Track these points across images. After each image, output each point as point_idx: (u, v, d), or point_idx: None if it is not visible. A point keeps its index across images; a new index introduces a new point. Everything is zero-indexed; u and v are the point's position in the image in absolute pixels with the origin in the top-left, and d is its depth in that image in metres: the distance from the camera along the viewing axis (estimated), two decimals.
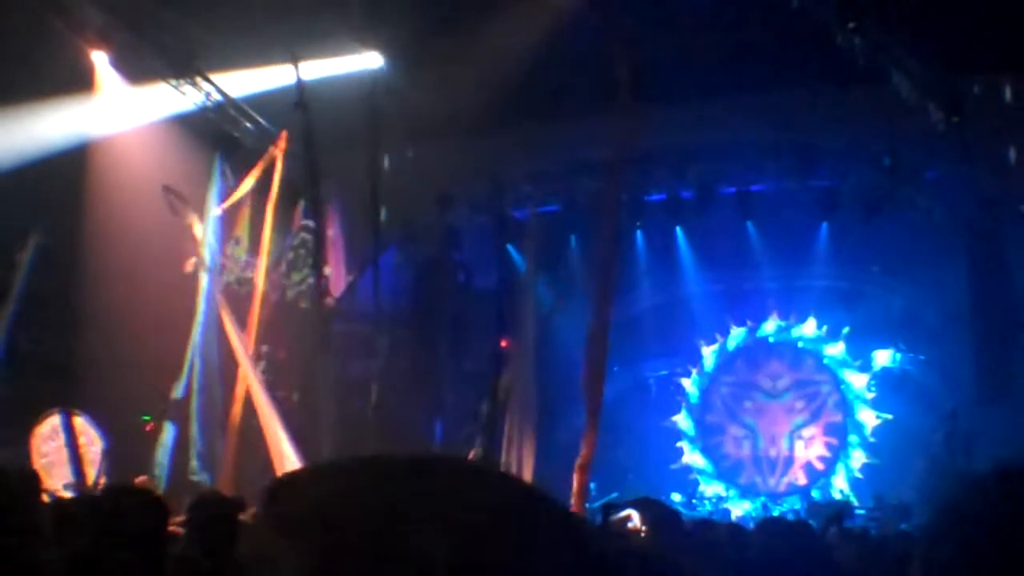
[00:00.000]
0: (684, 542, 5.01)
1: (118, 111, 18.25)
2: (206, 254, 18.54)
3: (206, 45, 18.55)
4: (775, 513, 22.35)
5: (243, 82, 19.60)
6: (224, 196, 19.78)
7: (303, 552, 1.18)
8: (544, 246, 21.49)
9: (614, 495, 23.15)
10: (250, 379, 17.73)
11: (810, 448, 25.45)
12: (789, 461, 25.54)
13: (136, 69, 18.29)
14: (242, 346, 17.73)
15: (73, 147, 17.53)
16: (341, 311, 22.17)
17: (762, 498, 24.67)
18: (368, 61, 19.58)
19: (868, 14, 16.79)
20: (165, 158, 18.80)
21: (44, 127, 16.90)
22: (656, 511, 5.53)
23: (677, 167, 22.81)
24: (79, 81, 17.60)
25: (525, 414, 18.29)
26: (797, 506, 23.37)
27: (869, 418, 24.76)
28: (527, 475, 17.57)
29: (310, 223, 21.04)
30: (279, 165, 18.74)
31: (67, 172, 17.54)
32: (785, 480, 25.38)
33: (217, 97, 19.37)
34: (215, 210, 19.48)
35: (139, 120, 18.67)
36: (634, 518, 13.58)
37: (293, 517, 1.22)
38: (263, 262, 19.05)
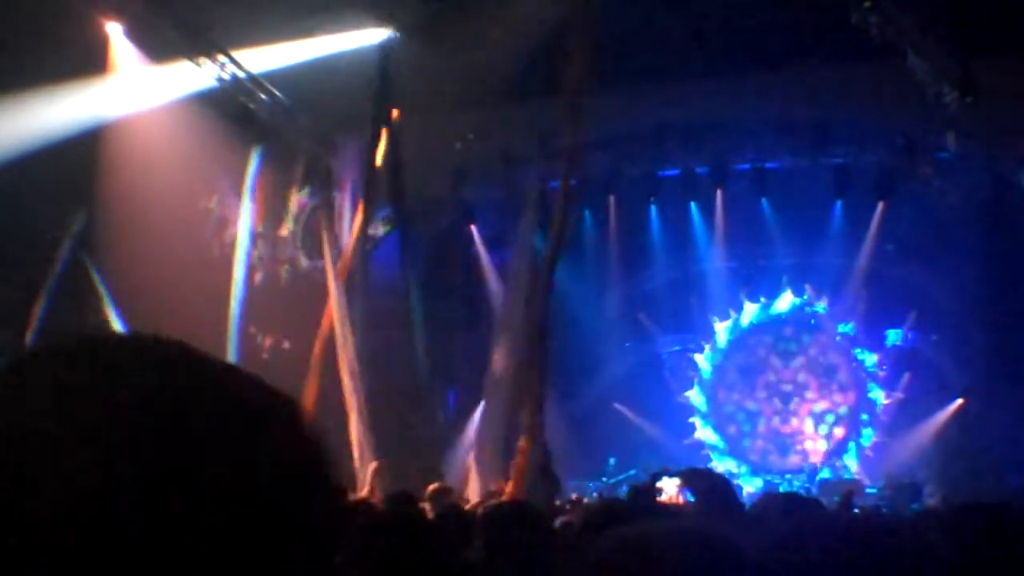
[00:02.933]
0: (739, 516, 4.65)
1: (134, 87, 18.00)
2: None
3: (221, 18, 18.28)
4: (783, 490, 22.37)
5: (258, 57, 19.43)
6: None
7: None
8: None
9: (632, 471, 23.27)
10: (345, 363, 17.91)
11: (821, 426, 25.47)
12: (800, 438, 25.57)
13: (151, 42, 18.07)
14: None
15: (91, 127, 17.21)
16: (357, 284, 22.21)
17: (770, 476, 24.72)
18: (380, 35, 19.47)
19: None
20: (184, 135, 18.66)
21: (62, 108, 16.62)
22: (706, 481, 5.10)
23: (692, 143, 22.69)
24: (95, 59, 17.39)
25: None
26: (808, 484, 23.40)
27: (880, 397, 24.76)
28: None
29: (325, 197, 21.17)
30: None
31: (88, 152, 17.52)
32: (796, 458, 25.41)
33: (234, 70, 19.23)
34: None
35: (155, 97, 18.44)
36: (668, 490, 13.46)
37: None
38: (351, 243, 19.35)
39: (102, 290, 17.68)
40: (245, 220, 20.11)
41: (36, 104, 16.05)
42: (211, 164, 19.73)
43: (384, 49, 19.15)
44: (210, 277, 19.46)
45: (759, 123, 21.58)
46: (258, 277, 20.89)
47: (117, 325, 17.44)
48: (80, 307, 17.62)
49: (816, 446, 25.37)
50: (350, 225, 21.61)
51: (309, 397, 17.85)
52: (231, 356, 19.22)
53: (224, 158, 19.97)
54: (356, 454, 17.14)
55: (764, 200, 23.95)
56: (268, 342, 20.82)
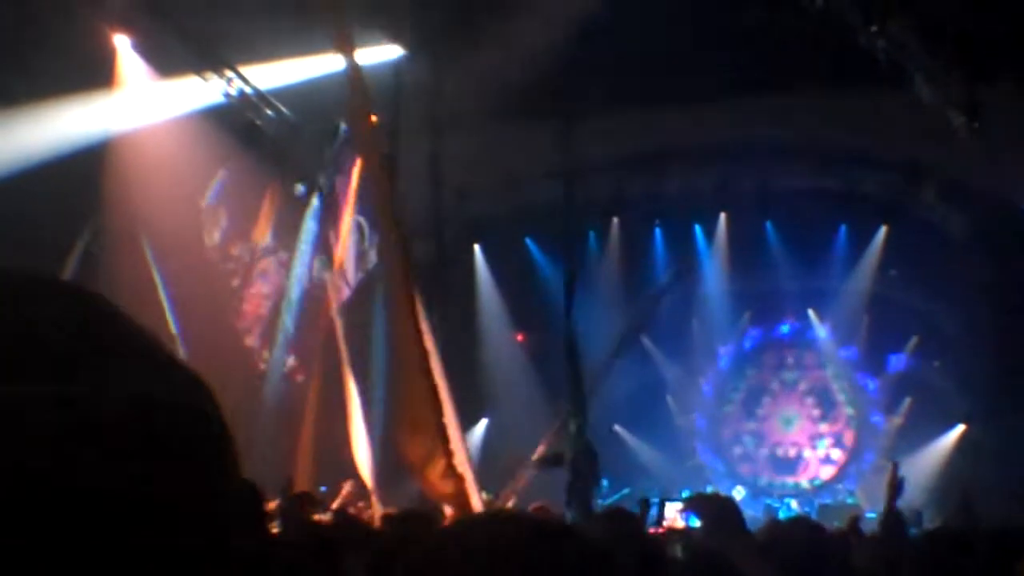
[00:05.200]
0: (748, 541, 4.69)
1: (141, 100, 18.17)
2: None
3: (229, 33, 18.33)
4: (782, 515, 22.34)
5: (265, 73, 19.61)
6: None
7: None
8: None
9: (625, 491, 23.22)
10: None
11: (821, 450, 25.49)
12: (800, 463, 25.58)
13: (159, 55, 18.22)
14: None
15: (99, 140, 17.44)
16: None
17: (770, 500, 24.69)
18: (390, 52, 19.52)
19: (891, 17, 16.70)
20: (190, 149, 18.89)
21: (70, 120, 16.79)
22: (715, 506, 5.11)
23: (696, 165, 22.75)
24: (102, 71, 17.56)
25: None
26: (807, 508, 23.36)
27: (881, 422, 24.77)
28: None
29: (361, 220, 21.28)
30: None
31: (97, 163, 17.49)
32: (796, 481, 25.42)
33: (241, 86, 19.36)
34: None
35: (163, 110, 18.60)
36: (672, 515, 13.46)
37: None
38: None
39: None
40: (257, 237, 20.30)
41: (45, 116, 16.15)
42: (220, 179, 19.97)
43: (396, 67, 19.25)
44: (213, 287, 19.83)
45: (763, 145, 21.58)
46: (262, 289, 21.07)
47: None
48: None
49: (816, 470, 25.36)
50: (356, 241, 21.71)
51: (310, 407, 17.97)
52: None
53: (231, 173, 20.11)
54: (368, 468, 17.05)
55: (768, 223, 23.97)
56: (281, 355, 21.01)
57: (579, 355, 18.25)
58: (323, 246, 20.83)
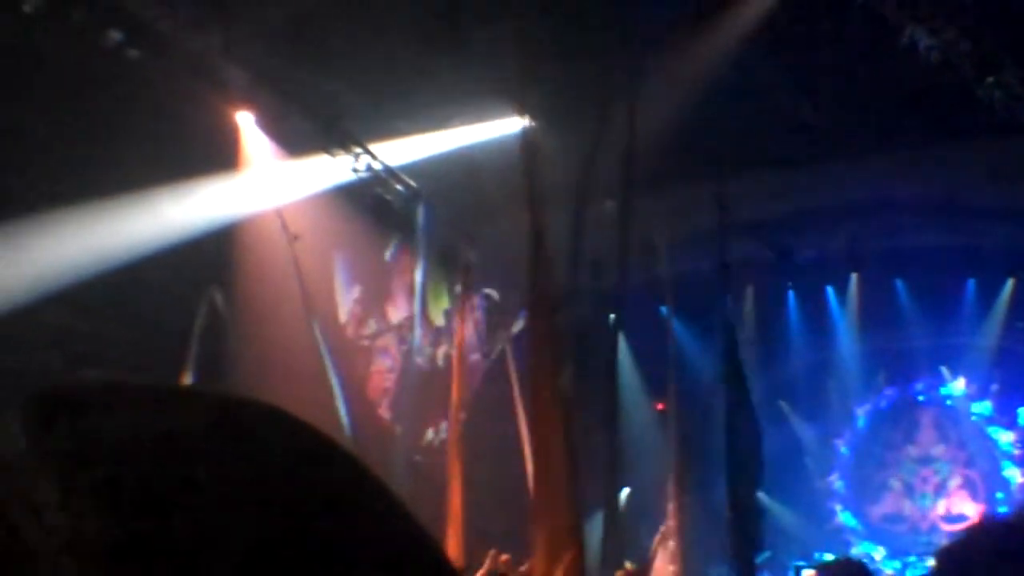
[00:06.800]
0: None
1: (267, 178, 18.18)
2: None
3: (354, 109, 18.54)
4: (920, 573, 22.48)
5: (393, 148, 19.59)
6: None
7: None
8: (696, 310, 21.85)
9: (767, 554, 23.50)
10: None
11: (957, 506, 25.59)
12: (937, 519, 25.69)
13: (283, 133, 18.32)
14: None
15: (227, 219, 17.64)
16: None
17: (910, 558, 24.81)
18: (517, 124, 19.45)
19: (1008, 68, 16.99)
20: (319, 225, 19.13)
21: (196, 200, 16.93)
22: (843, 571, 5.02)
23: (826, 227, 23.31)
24: (227, 149, 17.66)
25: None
26: None
27: (1016, 475, 24.91)
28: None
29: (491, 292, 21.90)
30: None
31: (225, 240, 17.77)
32: (934, 539, 25.46)
33: (369, 161, 19.34)
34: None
35: (290, 188, 18.59)
36: None
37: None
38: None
39: None
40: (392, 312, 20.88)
41: (172, 197, 16.40)
42: (347, 255, 20.47)
43: (526, 140, 19.17)
44: (352, 362, 20.27)
45: (890, 204, 22.08)
46: (399, 365, 21.56)
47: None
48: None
49: (952, 527, 25.44)
50: (484, 315, 22.18)
51: (454, 484, 18.28)
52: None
53: (360, 249, 20.71)
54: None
55: (898, 281, 24.41)
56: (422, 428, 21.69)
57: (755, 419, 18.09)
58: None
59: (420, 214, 20.76)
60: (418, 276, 21.42)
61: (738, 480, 16.70)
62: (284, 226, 17.80)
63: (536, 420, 12.24)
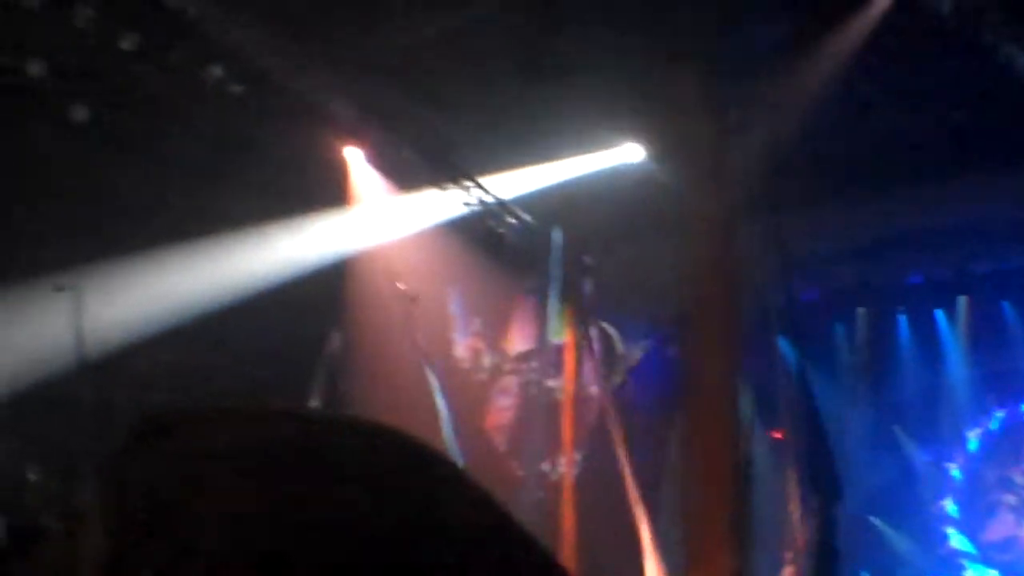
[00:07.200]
0: None
1: (378, 214, 18.29)
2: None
3: (465, 142, 18.55)
4: None
5: (505, 180, 19.53)
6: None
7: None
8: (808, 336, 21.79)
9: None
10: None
11: None
12: None
13: (393, 167, 18.33)
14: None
15: (340, 255, 17.95)
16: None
17: None
18: (631, 154, 19.40)
19: None
20: (432, 260, 19.43)
21: (309, 237, 17.27)
22: None
23: (933, 249, 23.29)
24: (335, 187, 17.85)
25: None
26: None
27: None
28: None
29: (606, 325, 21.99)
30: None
31: (339, 276, 18.12)
32: None
33: (481, 195, 19.33)
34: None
35: (402, 223, 18.70)
36: None
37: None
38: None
39: None
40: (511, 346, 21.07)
41: (283, 233, 16.85)
42: (462, 289, 20.77)
43: (640, 170, 19.33)
44: (468, 397, 20.41)
45: (995, 225, 22.04)
46: (518, 400, 21.65)
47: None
48: None
49: None
50: (601, 347, 22.26)
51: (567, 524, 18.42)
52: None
53: (476, 283, 20.89)
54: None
55: (1005, 303, 24.32)
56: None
57: (829, 448, 18.15)
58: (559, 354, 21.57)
59: (540, 246, 20.68)
60: (536, 309, 21.60)
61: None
62: (399, 288, 17.94)
63: (700, 434, 12.24)
